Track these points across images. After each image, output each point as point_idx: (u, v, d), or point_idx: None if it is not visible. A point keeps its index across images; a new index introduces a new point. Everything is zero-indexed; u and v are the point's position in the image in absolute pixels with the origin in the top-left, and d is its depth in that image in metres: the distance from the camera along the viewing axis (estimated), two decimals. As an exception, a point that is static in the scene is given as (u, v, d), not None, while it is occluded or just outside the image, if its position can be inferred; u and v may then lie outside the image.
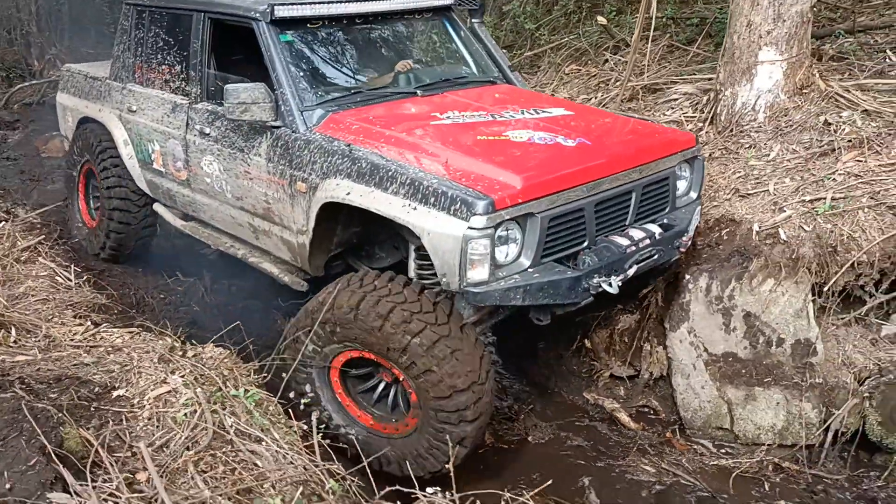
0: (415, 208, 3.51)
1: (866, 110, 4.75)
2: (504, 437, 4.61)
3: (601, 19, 7.17)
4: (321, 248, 4.23)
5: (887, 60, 5.72)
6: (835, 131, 4.65)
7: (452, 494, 2.40)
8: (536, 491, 3.30)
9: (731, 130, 4.98)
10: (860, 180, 4.35)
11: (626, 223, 4.06)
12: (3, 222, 5.69)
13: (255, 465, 2.68)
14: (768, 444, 4.42)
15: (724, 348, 4.51)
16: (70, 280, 4.96)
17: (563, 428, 4.75)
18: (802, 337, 4.36)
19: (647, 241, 3.99)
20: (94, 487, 2.12)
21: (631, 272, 3.90)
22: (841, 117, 4.73)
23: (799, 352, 4.37)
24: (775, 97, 4.84)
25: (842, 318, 4.42)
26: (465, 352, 3.60)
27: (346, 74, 4.70)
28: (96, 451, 2.30)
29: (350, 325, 3.62)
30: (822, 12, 6.79)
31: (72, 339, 3.80)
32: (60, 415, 2.39)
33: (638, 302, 4.83)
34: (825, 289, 4.26)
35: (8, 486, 1.99)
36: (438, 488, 2.64)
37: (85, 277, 5.18)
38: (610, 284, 3.74)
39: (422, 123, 4.14)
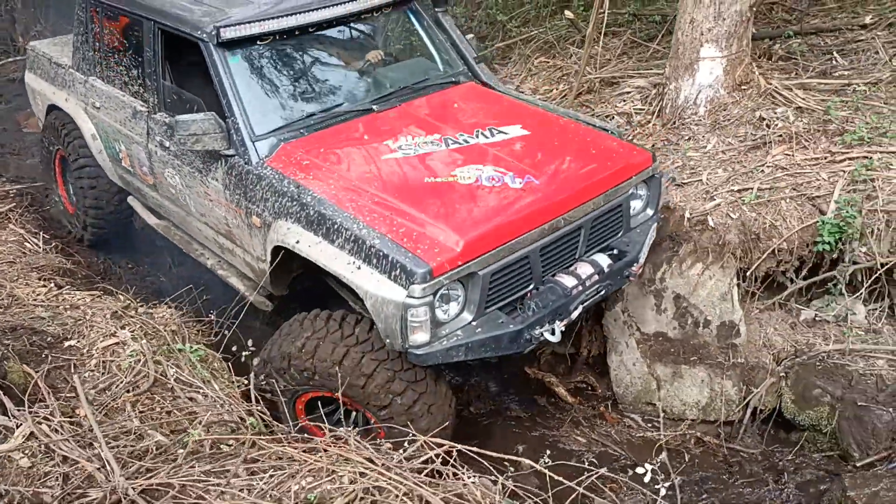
0: (359, 267, 3.43)
1: (800, 107, 5.02)
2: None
3: (568, 14, 7.39)
4: (283, 272, 4.11)
5: (832, 62, 6.00)
6: (768, 126, 4.91)
7: (355, 427, 2.64)
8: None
9: (674, 123, 5.23)
10: (786, 172, 4.61)
11: (576, 257, 3.99)
12: (-24, 190, 5.91)
13: (192, 410, 2.92)
14: (692, 419, 4.71)
15: (655, 328, 4.78)
16: (38, 246, 5.19)
17: (504, 400, 5.03)
18: (727, 319, 4.63)
19: (595, 278, 3.92)
20: (30, 412, 2.37)
21: (575, 314, 3.85)
22: (776, 113, 4.99)
23: (723, 333, 4.65)
24: (715, 92, 5.10)
25: (765, 303, 4.70)
26: (438, 404, 3.71)
27: (300, 95, 4.45)
28: (35, 383, 2.54)
29: (332, 377, 3.52)
30: (778, 13, 7.06)
31: (35, 299, 4.03)
32: (5, 351, 2.63)
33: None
34: (748, 273, 4.53)
35: (-50, 409, 2.26)
36: (352, 428, 2.86)
37: (53, 244, 5.40)
38: (553, 332, 3.69)
39: (372, 159, 4.00)
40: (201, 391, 3.04)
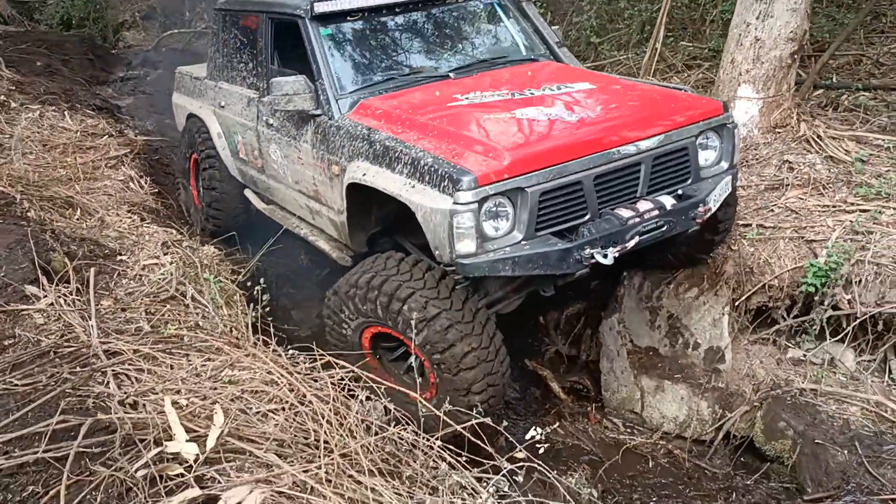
0: (413, 186, 3.68)
1: (830, 156, 5.16)
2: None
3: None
4: (360, 226, 4.49)
5: (901, 119, 6.01)
6: (791, 170, 5.09)
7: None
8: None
9: (709, 156, 5.48)
10: (794, 215, 4.80)
11: (637, 195, 4.00)
12: (108, 136, 7.04)
13: (198, 325, 3.64)
14: (666, 432, 4.98)
15: (648, 342, 5.10)
16: (142, 187, 6.18)
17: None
18: (715, 344, 4.88)
19: (655, 213, 3.91)
20: (56, 288, 3.16)
21: (631, 244, 3.83)
22: (804, 159, 5.15)
23: (710, 357, 4.90)
24: (749, 131, 5.31)
25: (756, 335, 4.89)
26: (475, 334, 3.76)
27: (383, 62, 4.86)
28: (69, 271, 3.35)
29: (372, 303, 3.84)
30: (866, 66, 7.05)
31: (118, 226, 4.95)
32: (55, 244, 3.46)
33: (586, 290, 5.47)
34: (737, 304, 4.76)
35: (2, 274, 3.07)
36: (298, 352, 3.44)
37: (156, 189, 6.40)
38: (605, 256, 3.71)
39: (440, 106, 4.28)
40: (207, 310, 3.75)
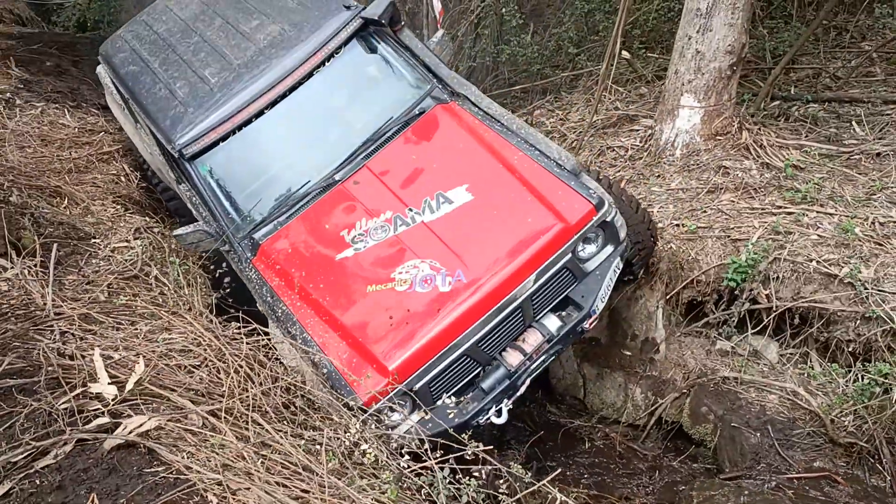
0: (321, 387, 3.71)
1: (766, 163, 5.48)
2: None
3: (625, 54, 8.03)
4: None
5: (851, 130, 6.32)
6: (727, 175, 5.42)
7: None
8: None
9: (655, 161, 5.84)
10: (724, 216, 5.13)
11: (524, 324, 4.02)
12: (105, 133, 7.49)
13: (154, 299, 4.04)
14: (604, 417, 5.33)
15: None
16: (132, 182, 6.60)
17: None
18: (650, 336, 5.22)
19: (545, 347, 3.95)
20: (22, 261, 3.59)
21: (523, 388, 3.95)
22: (740, 165, 5.48)
23: (646, 347, 5.24)
24: (691, 138, 5.65)
25: (689, 328, 5.22)
26: None
27: (270, 179, 4.51)
28: (34, 245, 3.77)
29: None
30: (823, 80, 7.35)
31: (101, 214, 5.37)
32: (28, 223, 3.88)
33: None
34: (669, 298, 5.10)
35: (-27, 249, 3.51)
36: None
37: (145, 183, 6.81)
38: (499, 413, 3.88)
39: (328, 261, 4.14)
40: (169, 287, 4.16)
